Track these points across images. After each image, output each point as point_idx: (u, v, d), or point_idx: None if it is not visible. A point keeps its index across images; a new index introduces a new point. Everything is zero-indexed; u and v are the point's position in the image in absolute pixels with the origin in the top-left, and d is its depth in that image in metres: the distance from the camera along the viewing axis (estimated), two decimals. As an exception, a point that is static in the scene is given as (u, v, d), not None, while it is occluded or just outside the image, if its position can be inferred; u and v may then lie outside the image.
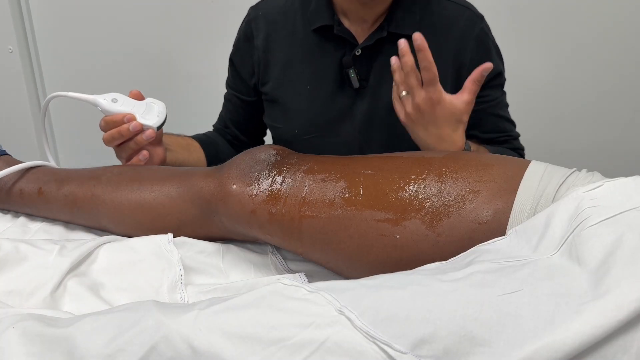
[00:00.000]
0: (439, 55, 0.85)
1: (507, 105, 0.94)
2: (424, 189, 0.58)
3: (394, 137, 0.88)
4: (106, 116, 0.76)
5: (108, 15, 1.60)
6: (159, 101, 0.80)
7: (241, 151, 0.71)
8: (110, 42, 1.62)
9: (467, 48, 0.86)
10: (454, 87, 0.85)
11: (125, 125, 0.75)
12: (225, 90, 1.03)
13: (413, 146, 0.87)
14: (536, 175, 0.57)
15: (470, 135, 0.91)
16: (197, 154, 0.95)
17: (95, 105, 0.77)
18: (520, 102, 1.58)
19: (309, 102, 0.89)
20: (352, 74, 0.85)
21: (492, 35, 0.90)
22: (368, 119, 0.88)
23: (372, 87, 0.86)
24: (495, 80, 0.89)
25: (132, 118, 0.75)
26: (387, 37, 0.84)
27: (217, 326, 0.41)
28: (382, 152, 0.88)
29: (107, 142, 0.77)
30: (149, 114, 0.77)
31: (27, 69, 1.69)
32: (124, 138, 0.76)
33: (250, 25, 0.93)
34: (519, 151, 0.97)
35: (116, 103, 0.76)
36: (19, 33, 1.65)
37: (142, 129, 0.76)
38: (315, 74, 0.88)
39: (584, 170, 0.58)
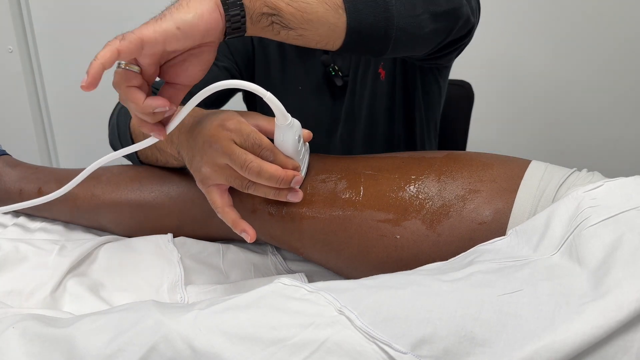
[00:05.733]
0: None
1: None
2: (425, 189, 0.58)
3: (371, 129, 0.88)
4: (283, 152, 0.57)
5: (108, 15, 1.60)
6: (308, 147, 0.64)
7: None
8: (110, 42, 1.62)
9: None
10: None
11: (289, 176, 0.56)
12: None
13: (388, 135, 0.88)
14: (536, 175, 0.57)
15: None
16: None
17: (280, 125, 0.56)
18: (520, 102, 1.58)
19: (301, 104, 0.89)
20: (333, 72, 0.85)
21: None
22: (350, 113, 0.88)
23: (352, 82, 0.86)
24: None
25: (298, 169, 0.59)
26: None
27: (217, 326, 0.41)
28: (363, 145, 0.88)
29: (266, 176, 0.55)
30: (304, 167, 0.62)
31: (27, 69, 1.69)
32: (278, 185, 0.57)
33: None
34: None
35: (299, 142, 0.58)
36: (19, 33, 1.65)
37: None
38: (304, 74, 0.88)
39: (584, 170, 0.58)
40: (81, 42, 1.66)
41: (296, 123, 0.57)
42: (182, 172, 0.72)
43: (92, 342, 0.43)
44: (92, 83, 0.45)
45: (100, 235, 0.75)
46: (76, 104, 1.71)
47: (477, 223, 0.55)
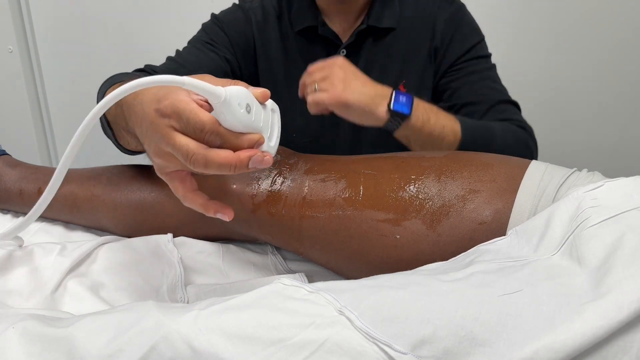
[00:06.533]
0: (417, 50, 0.86)
1: (493, 78, 0.91)
2: (425, 189, 0.58)
3: (382, 134, 0.88)
4: (229, 130, 0.45)
5: (108, 15, 1.60)
6: (274, 104, 0.50)
7: None
8: (110, 42, 1.62)
9: (438, 31, 0.87)
10: (432, 74, 0.87)
11: (244, 160, 0.45)
12: None
13: (400, 142, 0.88)
14: (537, 175, 0.57)
15: (459, 110, 0.86)
16: None
17: (216, 104, 0.44)
18: (520, 102, 1.58)
19: (304, 103, 0.89)
20: None
21: (469, 15, 0.89)
22: None
23: None
24: (470, 53, 0.87)
25: (262, 142, 0.46)
26: (369, 34, 0.85)
27: (217, 326, 0.41)
28: (371, 151, 0.88)
29: (214, 167, 0.44)
30: (273, 131, 0.49)
31: (27, 69, 1.69)
32: (234, 172, 0.46)
33: (248, 12, 0.89)
34: (519, 124, 0.86)
35: (250, 112, 0.45)
36: (19, 33, 1.65)
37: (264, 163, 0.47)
38: None
39: (585, 170, 0.58)
40: (81, 43, 1.66)
41: (235, 92, 0.44)
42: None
43: (92, 342, 0.43)
44: None
45: (100, 236, 0.75)
46: (76, 104, 1.72)
47: (477, 223, 0.55)
